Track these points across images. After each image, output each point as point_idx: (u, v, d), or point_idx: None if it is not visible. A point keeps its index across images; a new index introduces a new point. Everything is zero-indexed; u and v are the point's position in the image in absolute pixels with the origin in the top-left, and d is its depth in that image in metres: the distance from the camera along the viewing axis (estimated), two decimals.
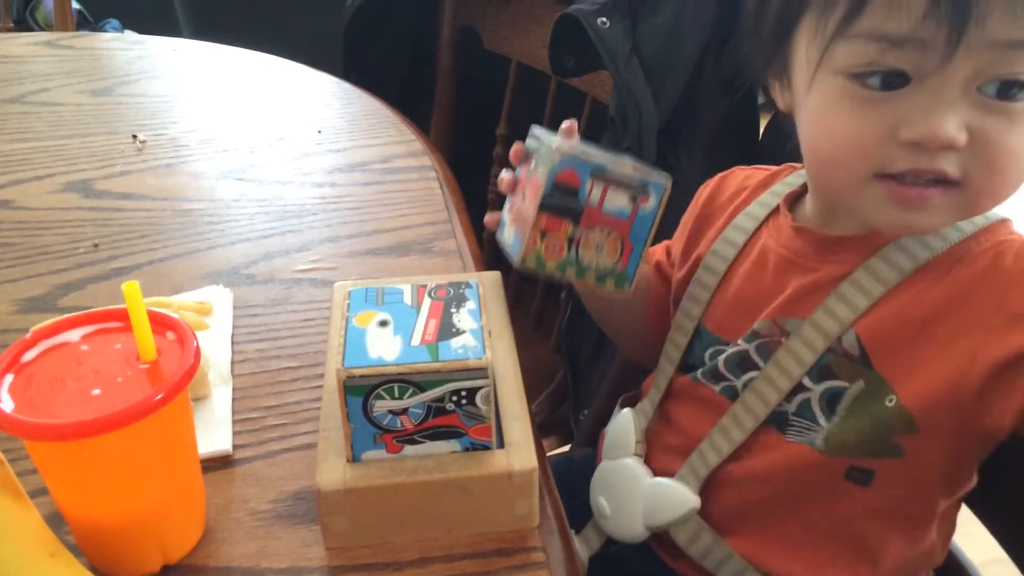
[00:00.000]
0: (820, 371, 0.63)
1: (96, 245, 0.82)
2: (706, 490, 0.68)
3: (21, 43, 1.35)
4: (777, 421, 0.65)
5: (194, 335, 0.48)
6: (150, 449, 0.46)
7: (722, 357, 0.68)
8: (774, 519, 0.66)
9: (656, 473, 0.72)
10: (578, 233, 0.62)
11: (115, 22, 2.86)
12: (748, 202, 0.74)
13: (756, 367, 0.66)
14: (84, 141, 1.02)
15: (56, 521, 0.49)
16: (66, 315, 0.50)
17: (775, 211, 0.71)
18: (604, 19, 0.96)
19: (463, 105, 1.45)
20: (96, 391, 0.45)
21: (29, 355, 0.47)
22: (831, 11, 0.55)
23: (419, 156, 1.01)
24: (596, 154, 0.61)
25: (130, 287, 0.46)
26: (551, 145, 0.60)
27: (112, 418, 0.42)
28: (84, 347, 0.48)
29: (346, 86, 1.23)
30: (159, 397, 0.44)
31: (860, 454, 0.62)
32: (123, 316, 0.48)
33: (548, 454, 1.16)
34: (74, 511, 0.48)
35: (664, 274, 0.81)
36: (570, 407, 1.19)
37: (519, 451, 0.51)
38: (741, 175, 0.78)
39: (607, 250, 0.62)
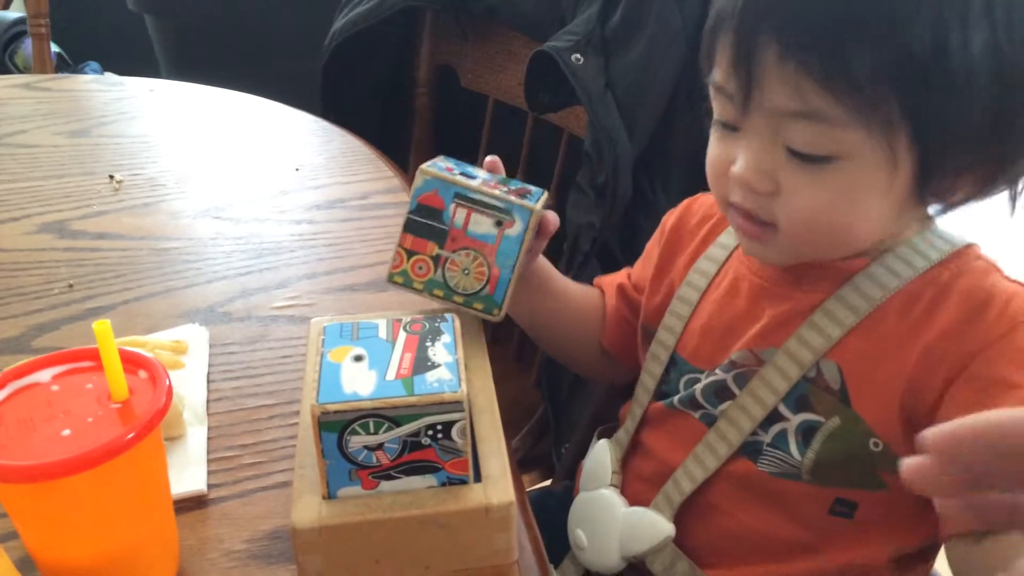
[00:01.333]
0: (798, 401, 0.63)
1: (71, 285, 0.81)
2: (681, 518, 0.68)
3: None
4: (750, 451, 0.65)
5: (166, 373, 0.48)
6: (121, 490, 0.45)
7: (699, 386, 0.68)
8: (751, 550, 0.66)
9: (632, 503, 0.71)
10: (444, 255, 0.63)
11: (95, 64, 2.87)
12: (717, 229, 0.74)
13: (733, 396, 0.66)
14: (60, 182, 1.02)
15: (27, 565, 0.48)
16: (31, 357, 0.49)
17: None
18: (578, 55, 0.98)
19: (441, 142, 1.46)
20: (66, 431, 0.44)
21: None
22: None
23: (397, 192, 1.02)
24: (467, 180, 0.62)
25: (101, 326, 0.46)
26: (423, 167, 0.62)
27: (81, 459, 0.42)
28: (55, 387, 0.48)
29: (324, 124, 1.24)
30: (130, 436, 0.44)
31: (846, 485, 0.62)
32: (95, 355, 0.48)
33: (530, 488, 1.15)
34: (44, 554, 0.47)
35: (628, 297, 0.82)
36: (551, 441, 1.18)
37: (496, 485, 0.51)
38: (707, 201, 0.78)
39: (474, 273, 0.63)
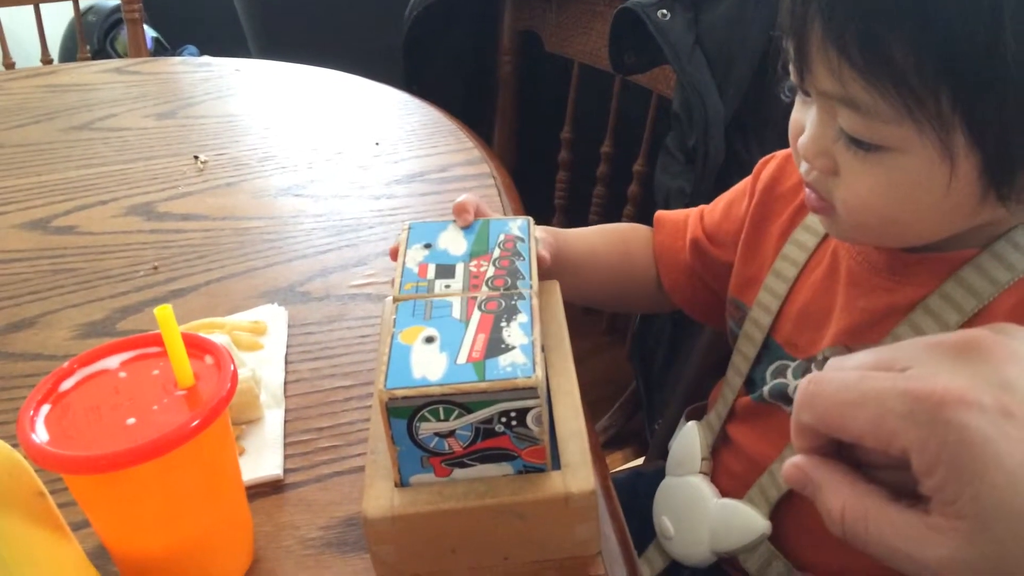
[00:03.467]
0: None
1: (156, 267, 0.81)
2: (778, 515, 0.63)
3: (92, 71, 1.38)
4: None
5: (232, 359, 0.46)
6: (189, 478, 0.44)
7: (791, 378, 0.63)
8: (854, 552, 0.61)
9: (723, 494, 0.67)
10: None
11: (192, 48, 2.94)
12: None
13: None
14: (147, 164, 1.03)
15: (101, 553, 0.48)
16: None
17: None
18: (664, 11, 0.92)
19: (526, 110, 1.43)
20: (131, 420, 0.43)
21: (67, 384, 0.46)
22: None
23: (477, 164, 0.99)
24: (444, 289, 0.54)
25: (162, 311, 0.44)
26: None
27: (145, 448, 0.41)
28: (122, 374, 0.47)
29: (405, 97, 1.22)
30: (194, 424, 0.42)
31: None
32: (162, 341, 0.47)
33: (623, 467, 1.12)
34: (115, 543, 0.46)
35: (703, 252, 0.75)
36: (644, 417, 1.15)
37: (576, 472, 0.48)
38: None
39: None
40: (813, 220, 0.67)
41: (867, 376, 0.34)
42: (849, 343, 0.60)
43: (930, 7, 0.46)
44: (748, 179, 0.74)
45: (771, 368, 0.66)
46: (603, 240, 0.80)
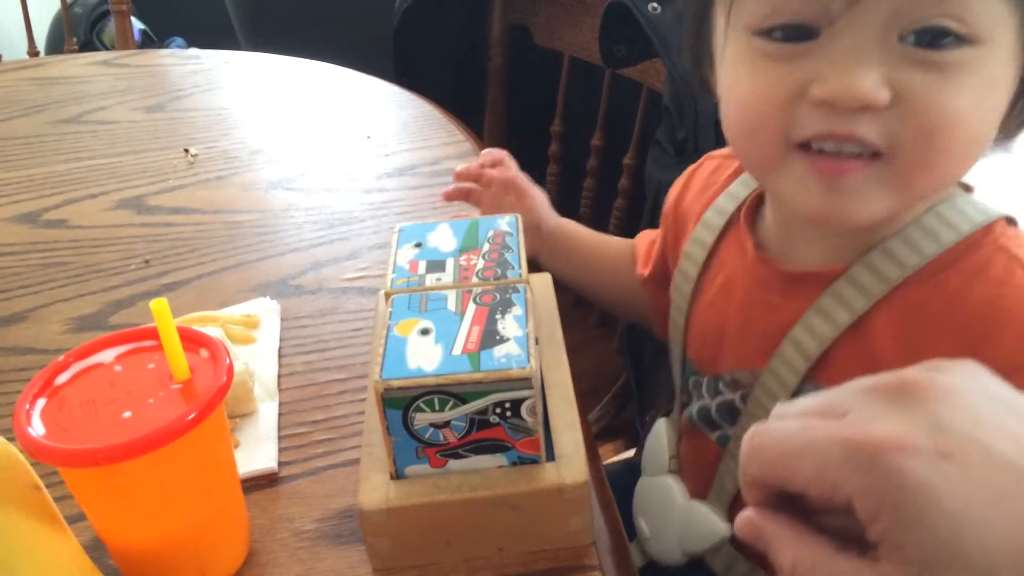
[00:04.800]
0: None
1: (147, 261, 0.81)
2: (734, 515, 0.63)
3: (80, 63, 1.37)
4: None
5: (227, 352, 0.47)
6: (184, 471, 0.44)
7: (713, 403, 0.63)
8: None
9: (692, 492, 0.66)
10: None
11: (180, 40, 2.92)
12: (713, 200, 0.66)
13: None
14: (137, 158, 1.03)
15: (98, 546, 0.48)
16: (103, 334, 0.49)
17: (735, 220, 0.63)
18: (655, 4, 0.93)
19: (516, 103, 1.43)
20: (127, 413, 0.43)
21: (62, 378, 0.46)
22: None
23: (469, 157, 0.99)
24: (435, 282, 0.54)
25: (158, 304, 0.45)
26: None
27: (141, 441, 0.41)
28: (117, 368, 0.47)
29: (396, 89, 1.22)
30: (191, 417, 0.42)
31: None
32: (158, 335, 0.47)
33: (614, 459, 1.13)
34: (112, 536, 0.46)
35: (659, 284, 0.74)
36: (634, 409, 1.15)
37: (570, 464, 0.48)
38: (710, 167, 0.69)
39: None
40: (700, 232, 0.65)
41: (807, 426, 0.35)
42: (752, 367, 0.59)
43: None
44: (665, 200, 0.73)
45: (691, 381, 0.66)
46: (615, 239, 0.80)
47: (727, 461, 0.62)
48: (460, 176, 0.81)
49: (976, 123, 0.47)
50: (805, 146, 0.49)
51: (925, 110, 0.45)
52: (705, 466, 0.65)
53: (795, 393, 0.55)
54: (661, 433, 0.71)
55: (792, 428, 0.35)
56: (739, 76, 0.51)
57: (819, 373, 0.55)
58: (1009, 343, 0.48)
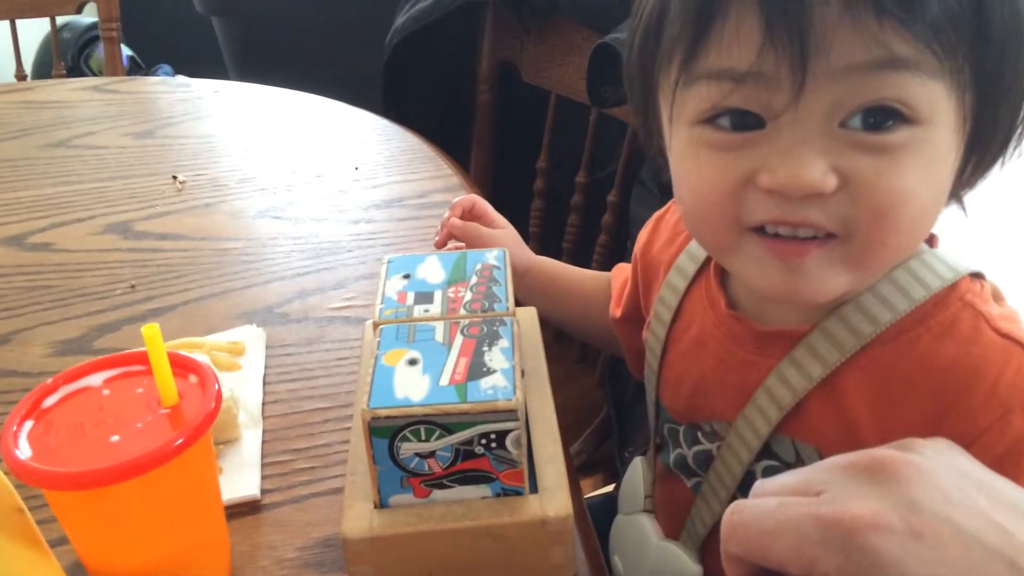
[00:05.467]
0: None
1: (133, 286, 0.81)
2: (705, 555, 0.63)
3: (69, 88, 1.38)
4: None
5: (216, 378, 0.47)
6: (170, 496, 0.45)
7: (690, 453, 0.63)
8: None
9: (666, 532, 0.66)
10: None
11: (167, 67, 2.94)
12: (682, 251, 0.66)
13: None
14: (125, 183, 1.03)
15: (78, 570, 0.48)
16: (92, 358, 0.49)
17: (705, 270, 0.63)
18: None
19: (502, 139, 1.45)
20: (115, 437, 0.44)
21: (50, 400, 0.46)
22: (675, 56, 0.49)
23: (456, 191, 1.00)
24: (423, 313, 0.56)
25: (149, 330, 0.45)
26: None
27: (128, 465, 0.41)
28: (106, 391, 0.47)
29: (384, 122, 1.23)
30: (178, 443, 0.43)
31: None
32: (147, 359, 0.47)
33: (593, 493, 1.13)
34: (93, 560, 0.46)
35: (632, 325, 0.74)
36: (615, 444, 1.16)
37: (554, 496, 0.49)
38: (676, 212, 0.69)
39: None
40: (673, 279, 0.65)
41: (784, 504, 0.36)
42: (727, 419, 0.59)
43: None
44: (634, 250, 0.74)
45: (666, 427, 0.66)
46: (590, 274, 0.81)
47: (699, 506, 0.62)
48: (442, 225, 0.82)
49: (924, 199, 0.48)
50: (759, 229, 0.50)
51: (873, 192, 0.46)
52: (678, 509, 0.65)
53: (766, 445, 0.56)
54: (638, 472, 0.72)
55: (770, 506, 0.36)
56: (686, 166, 0.52)
57: (790, 426, 0.55)
58: (977, 403, 0.49)
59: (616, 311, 0.76)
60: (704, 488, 0.61)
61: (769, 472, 0.56)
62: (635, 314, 0.74)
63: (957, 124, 0.47)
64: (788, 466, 0.56)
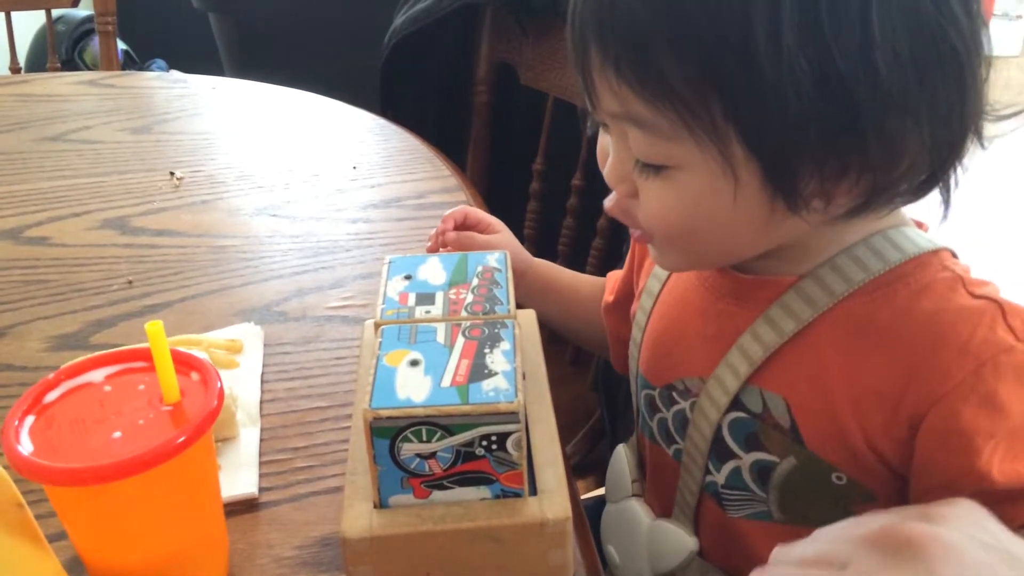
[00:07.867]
0: (748, 439, 0.58)
1: (130, 282, 0.81)
2: (699, 528, 0.64)
3: (65, 82, 1.37)
4: (712, 492, 0.61)
5: (218, 376, 0.47)
6: (171, 494, 0.45)
7: (669, 416, 0.64)
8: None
9: (658, 513, 0.67)
10: None
11: (161, 62, 2.93)
12: None
13: None
14: (122, 178, 1.03)
15: (77, 566, 0.48)
16: (93, 354, 0.49)
17: None
18: None
19: (499, 141, 1.45)
20: (117, 434, 0.44)
21: (51, 396, 0.46)
22: None
23: (454, 192, 1.01)
24: (424, 314, 0.56)
25: (153, 327, 0.45)
26: None
27: (130, 462, 0.41)
28: (107, 387, 0.47)
29: (382, 122, 1.23)
30: (180, 440, 0.43)
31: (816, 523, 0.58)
32: (148, 356, 0.47)
33: (584, 496, 1.13)
34: (92, 556, 0.46)
35: (622, 311, 0.76)
36: (607, 446, 1.16)
37: (553, 499, 0.49)
38: None
39: None
40: None
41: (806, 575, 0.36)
42: (702, 374, 0.60)
43: (682, 13, 0.46)
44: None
45: (642, 394, 0.67)
46: (586, 278, 0.82)
47: (683, 475, 0.63)
48: (433, 237, 0.82)
49: (683, 223, 0.53)
50: None
51: (646, 207, 0.54)
52: (667, 484, 0.66)
53: (736, 398, 0.57)
54: (622, 458, 0.73)
55: None
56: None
57: (760, 376, 0.56)
58: (951, 357, 0.50)
59: (609, 297, 0.78)
60: (684, 455, 0.62)
61: (735, 425, 0.58)
62: (626, 298, 0.75)
63: (720, 169, 0.50)
64: (754, 417, 0.57)
